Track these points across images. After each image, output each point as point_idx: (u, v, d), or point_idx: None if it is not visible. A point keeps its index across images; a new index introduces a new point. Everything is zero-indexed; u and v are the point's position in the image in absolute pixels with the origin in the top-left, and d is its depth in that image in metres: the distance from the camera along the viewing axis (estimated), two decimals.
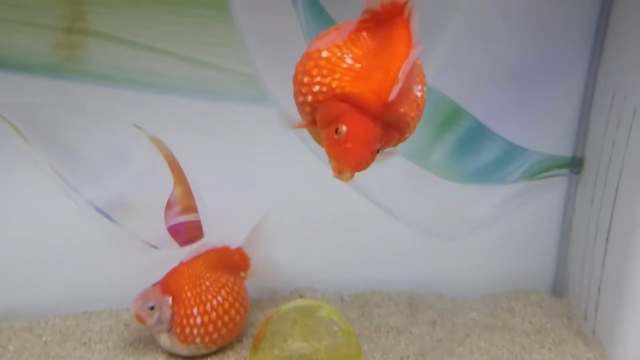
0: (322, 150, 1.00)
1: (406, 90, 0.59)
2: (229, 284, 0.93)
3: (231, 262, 0.98)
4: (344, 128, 0.57)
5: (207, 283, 0.91)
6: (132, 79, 0.97)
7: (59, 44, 0.94)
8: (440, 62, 0.98)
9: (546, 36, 0.97)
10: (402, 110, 0.59)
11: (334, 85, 0.58)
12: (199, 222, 1.06)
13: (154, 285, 0.92)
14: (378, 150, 0.59)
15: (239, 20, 0.96)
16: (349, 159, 0.58)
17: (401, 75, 0.55)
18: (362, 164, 0.58)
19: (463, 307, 1.02)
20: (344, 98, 0.58)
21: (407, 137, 0.63)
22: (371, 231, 1.08)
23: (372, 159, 0.59)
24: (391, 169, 1.06)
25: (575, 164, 1.03)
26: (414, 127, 0.62)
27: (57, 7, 0.92)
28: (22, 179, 0.99)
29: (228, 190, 1.05)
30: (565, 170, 1.04)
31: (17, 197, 0.99)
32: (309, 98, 0.60)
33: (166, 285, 0.92)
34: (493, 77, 1.00)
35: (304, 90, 0.60)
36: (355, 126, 0.57)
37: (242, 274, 0.98)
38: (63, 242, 1.02)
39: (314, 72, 0.59)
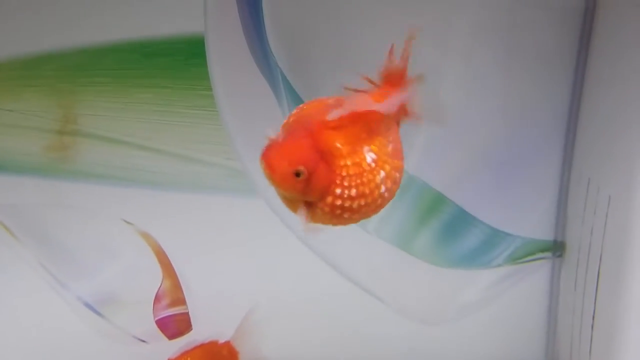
0: (314, 241, 1.04)
1: (349, 140, 0.60)
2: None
3: (220, 357, 0.97)
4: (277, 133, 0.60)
5: None
6: (121, 176, 1.00)
7: (50, 146, 0.97)
8: (422, 152, 1.02)
9: (521, 127, 1.01)
10: (336, 145, 0.59)
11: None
12: (187, 314, 1.06)
13: None
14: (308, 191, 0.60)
15: (226, 117, 0.99)
16: (267, 154, 0.59)
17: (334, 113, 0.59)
18: (278, 167, 0.58)
19: None
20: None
21: (338, 205, 0.60)
22: (361, 318, 1.08)
23: (291, 179, 0.59)
24: (377, 255, 1.09)
25: (557, 248, 1.05)
26: (349, 193, 0.60)
27: (49, 111, 0.96)
28: (11, 276, 1.00)
29: (216, 282, 1.06)
30: (548, 254, 1.06)
31: (5, 295, 1.00)
32: None
33: None
34: (472, 166, 1.03)
35: None
36: (291, 135, 0.59)
37: None
38: (52, 338, 1.02)
39: None
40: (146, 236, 1.04)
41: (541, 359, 1.11)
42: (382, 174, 0.61)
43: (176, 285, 1.08)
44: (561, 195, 1.05)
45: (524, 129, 1.03)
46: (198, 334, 1.04)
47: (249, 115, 1.02)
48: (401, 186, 0.99)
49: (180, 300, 1.07)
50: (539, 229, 1.08)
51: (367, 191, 0.61)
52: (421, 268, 1.12)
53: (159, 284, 1.06)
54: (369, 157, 0.61)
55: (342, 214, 0.62)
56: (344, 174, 0.61)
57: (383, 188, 0.61)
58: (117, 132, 0.97)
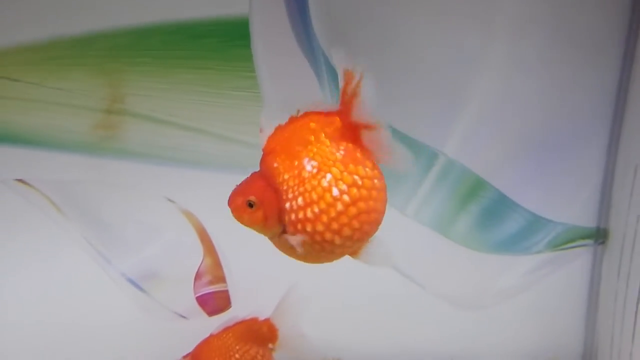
0: None
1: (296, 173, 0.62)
2: (258, 357, 0.94)
3: (260, 334, 0.99)
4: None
5: (237, 356, 0.92)
6: (165, 155, 1.01)
7: (97, 125, 0.99)
8: (462, 137, 1.01)
9: (567, 110, 0.99)
10: (274, 165, 0.62)
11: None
12: (227, 292, 1.08)
13: (184, 357, 0.93)
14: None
15: (268, 99, 1.01)
16: (230, 196, 0.64)
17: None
18: (233, 203, 0.64)
19: None
20: None
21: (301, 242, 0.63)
22: (397, 302, 1.09)
23: (246, 210, 0.63)
24: (415, 239, 1.09)
25: (599, 235, 1.03)
26: (310, 227, 0.62)
27: (96, 90, 0.98)
28: (58, 251, 1.02)
29: (256, 261, 1.07)
30: (590, 241, 1.05)
31: (52, 269, 1.03)
32: None
33: (196, 357, 0.92)
34: (515, 150, 1.02)
35: None
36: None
37: (270, 345, 0.99)
38: (95, 313, 1.05)
39: None
40: (188, 215, 1.06)
41: (580, 348, 1.11)
42: (329, 176, 0.62)
43: (217, 263, 1.10)
44: (605, 182, 1.03)
45: (569, 114, 1.01)
46: (237, 312, 1.06)
47: (291, 97, 1.03)
48: (441, 170, 1.02)
49: (220, 278, 1.09)
50: (581, 215, 1.07)
51: (314, 197, 0.62)
52: (459, 253, 1.12)
53: (200, 262, 1.09)
54: (310, 165, 0.62)
55: (313, 231, 0.62)
56: (285, 187, 0.63)
57: (335, 191, 0.61)
58: (162, 112, 0.99)
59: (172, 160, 1.01)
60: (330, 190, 0.61)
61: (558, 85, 1.01)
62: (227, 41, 0.98)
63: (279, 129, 0.65)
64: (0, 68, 0.97)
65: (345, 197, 0.61)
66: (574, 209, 1.08)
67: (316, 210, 0.62)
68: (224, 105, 1.00)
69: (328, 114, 0.64)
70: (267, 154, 0.65)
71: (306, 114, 0.65)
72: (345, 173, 0.62)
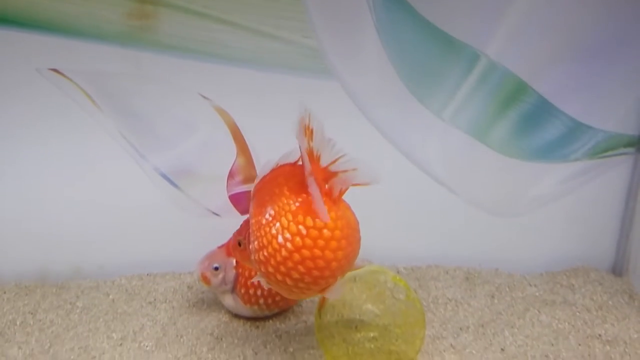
0: (386, 127, 1.02)
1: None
2: None
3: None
4: None
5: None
6: (200, 50, 0.99)
7: (131, 13, 0.97)
8: (507, 37, 0.98)
9: (616, 13, 0.95)
10: (252, 220, 0.74)
11: None
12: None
13: (219, 247, 0.94)
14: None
15: None
16: None
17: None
18: (231, 243, 0.83)
19: (521, 283, 1.01)
20: None
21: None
22: (429, 206, 1.09)
23: (235, 248, 0.81)
24: (451, 144, 1.07)
25: None
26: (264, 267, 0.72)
27: None
28: (92, 143, 1.02)
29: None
30: (631, 149, 1.03)
31: (87, 161, 1.03)
32: None
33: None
34: (560, 53, 0.99)
35: None
36: None
37: None
38: (129, 206, 1.06)
39: None
40: (222, 112, 1.05)
41: (611, 257, 1.11)
42: (277, 225, 0.71)
43: (249, 163, 1.09)
44: None
45: (618, 20, 0.97)
46: None
47: None
48: (482, 72, 0.99)
49: (252, 177, 1.09)
50: (625, 123, 1.04)
51: (265, 242, 0.72)
52: (496, 159, 1.10)
53: (233, 160, 1.08)
54: (268, 214, 0.73)
55: (266, 272, 0.72)
56: (250, 231, 0.75)
57: (280, 238, 0.70)
58: (198, 3, 0.96)
59: (206, 55, 0.99)
60: (276, 238, 0.71)
61: None
62: None
63: (261, 178, 0.76)
64: None
65: (289, 245, 0.70)
66: (617, 116, 1.05)
67: (266, 254, 0.72)
68: None
69: (295, 166, 0.74)
70: (251, 198, 0.77)
71: (280, 167, 0.75)
72: (291, 223, 0.71)
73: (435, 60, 1.01)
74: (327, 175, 0.70)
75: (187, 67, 1.00)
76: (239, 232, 0.81)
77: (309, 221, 0.68)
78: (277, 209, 0.70)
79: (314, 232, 0.68)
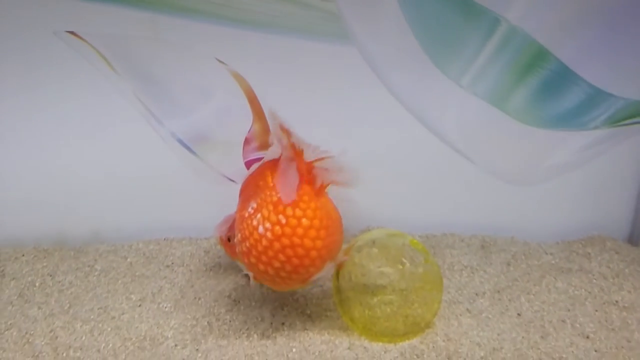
0: (404, 94, 1.02)
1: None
2: None
3: None
4: None
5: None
6: (217, 13, 0.98)
7: None
8: (528, 1, 0.96)
9: None
10: (237, 215, 0.79)
11: None
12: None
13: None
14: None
15: None
16: None
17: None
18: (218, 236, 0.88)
19: (537, 251, 1.01)
20: None
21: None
22: (445, 174, 1.08)
23: (225, 243, 0.86)
24: (469, 111, 1.06)
25: None
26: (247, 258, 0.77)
27: None
28: (110, 107, 1.02)
29: (305, 127, 1.06)
30: None
31: (104, 125, 1.04)
32: None
33: None
34: (582, 18, 0.97)
35: None
36: None
37: None
38: (146, 171, 1.06)
39: None
40: (238, 77, 1.04)
41: (628, 225, 1.10)
42: (259, 216, 0.74)
43: (265, 129, 1.09)
44: None
45: None
46: None
47: None
48: (501, 38, 0.98)
49: (268, 144, 1.09)
50: None
51: (247, 233, 0.76)
52: (514, 127, 1.09)
53: (249, 127, 1.08)
54: (250, 207, 0.76)
55: (249, 263, 0.76)
56: (236, 225, 0.78)
57: (261, 228, 0.74)
58: None
59: (223, 18, 0.99)
60: (257, 228, 0.75)
61: None
62: None
63: (248, 176, 0.81)
64: None
65: (269, 234, 0.74)
66: (638, 83, 1.04)
67: (248, 245, 0.76)
68: None
69: (276, 161, 0.76)
70: (239, 194, 0.80)
71: (265, 163, 0.79)
72: (272, 213, 0.74)
73: (454, 26, 0.99)
74: (310, 169, 0.75)
75: (203, 30, 1.00)
76: (228, 229, 0.85)
77: (289, 211, 0.73)
78: (259, 201, 0.75)
79: (293, 221, 0.73)
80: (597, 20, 0.99)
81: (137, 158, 1.04)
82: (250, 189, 0.77)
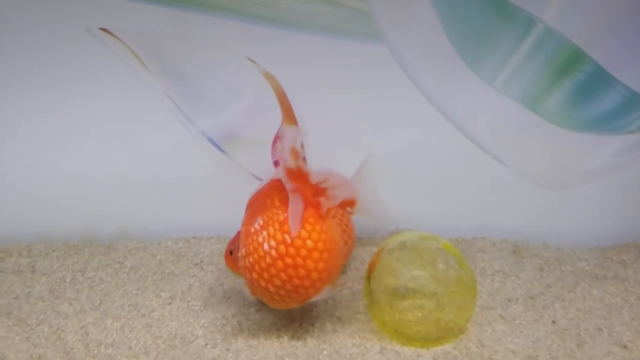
0: (435, 94, 1.00)
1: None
2: (338, 216, 0.94)
3: None
4: None
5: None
6: (248, 12, 0.98)
7: None
8: (565, 2, 0.94)
9: None
10: (243, 229, 0.81)
11: None
12: (303, 157, 1.07)
13: None
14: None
15: None
16: None
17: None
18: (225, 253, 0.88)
19: (571, 257, 0.99)
20: None
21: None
22: (476, 176, 1.07)
23: (228, 257, 0.86)
24: (501, 113, 1.05)
25: None
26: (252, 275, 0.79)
27: None
28: (140, 105, 1.02)
29: (334, 127, 1.06)
30: None
31: (135, 122, 1.04)
32: None
33: None
34: (620, 19, 0.95)
35: None
36: None
37: (348, 209, 0.99)
38: (175, 169, 1.06)
39: None
40: (269, 76, 1.04)
41: None
42: (264, 233, 0.77)
43: None
44: None
45: None
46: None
47: None
48: (537, 39, 0.96)
49: None
50: None
51: (252, 249, 0.78)
52: (547, 130, 1.07)
53: (278, 125, 1.08)
54: (257, 223, 0.79)
55: (251, 278, 0.78)
56: (240, 239, 0.81)
57: (266, 245, 0.76)
58: None
59: (254, 17, 0.98)
60: (262, 245, 0.76)
61: None
62: None
63: (255, 192, 0.83)
64: None
65: (273, 252, 0.76)
66: None
67: (252, 260, 0.77)
68: None
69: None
70: (246, 207, 0.83)
71: (273, 181, 0.82)
72: (278, 232, 0.76)
73: (488, 26, 0.98)
74: (316, 191, 0.77)
75: (235, 29, 0.99)
76: (232, 242, 0.86)
77: (287, 228, 0.75)
78: (266, 218, 0.77)
79: (298, 242, 0.75)
80: (636, 21, 0.96)
81: (166, 156, 1.04)
82: (257, 205, 0.80)
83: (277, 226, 0.76)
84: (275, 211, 0.77)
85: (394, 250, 0.79)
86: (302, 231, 0.75)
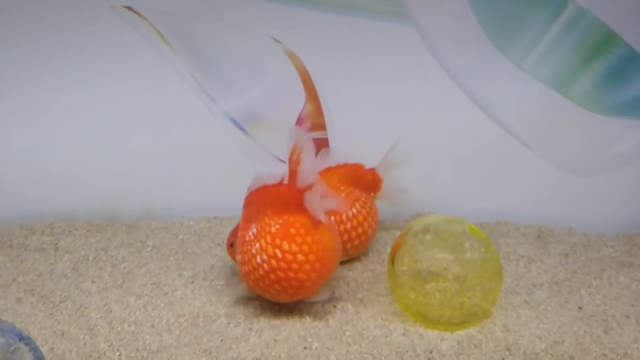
0: (463, 76, 0.98)
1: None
2: (362, 199, 0.93)
3: (363, 180, 0.98)
4: None
5: (342, 195, 0.92)
6: None
7: None
8: None
9: None
10: (240, 232, 0.81)
11: None
12: (326, 140, 1.06)
13: None
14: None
15: None
16: None
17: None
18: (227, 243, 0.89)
19: (597, 243, 0.98)
20: None
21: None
22: (500, 160, 1.05)
23: (229, 248, 0.87)
24: (530, 96, 1.03)
25: None
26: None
27: None
28: (164, 84, 1.02)
29: (358, 109, 1.05)
30: None
31: (158, 102, 1.03)
32: None
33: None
34: None
35: None
36: None
37: (372, 194, 0.99)
38: (198, 149, 1.06)
39: None
40: (293, 57, 1.03)
41: None
42: (257, 245, 0.78)
43: (318, 110, 1.08)
44: None
45: None
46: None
47: None
48: (568, 20, 0.94)
49: (320, 125, 1.07)
50: None
51: (246, 258, 0.80)
52: (577, 114, 1.05)
53: (302, 107, 1.07)
54: (251, 232, 0.80)
55: (248, 284, 0.80)
56: (238, 242, 0.82)
57: (258, 258, 0.78)
58: None
59: None
60: (255, 257, 0.78)
61: None
62: None
63: (251, 192, 0.82)
64: None
65: (265, 266, 0.78)
66: None
67: (247, 269, 0.80)
68: None
69: (280, 187, 0.80)
70: (244, 206, 0.83)
71: (266, 187, 0.81)
72: (269, 246, 0.78)
73: (518, 6, 0.96)
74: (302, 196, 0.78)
75: (259, 8, 0.98)
76: (232, 234, 0.87)
77: (285, 245, 0.77)
78: (259, 228, 0.78)
79: (289, 257, 0.77)
80: None
81: (189, 136, 1.03)
82: (252, 209, 0.80)
83: (268, 239, 0.77)
84: (267, 221, 0.78)
85: (419, 233, 0.78)
86: (293, 245, 0.76)
